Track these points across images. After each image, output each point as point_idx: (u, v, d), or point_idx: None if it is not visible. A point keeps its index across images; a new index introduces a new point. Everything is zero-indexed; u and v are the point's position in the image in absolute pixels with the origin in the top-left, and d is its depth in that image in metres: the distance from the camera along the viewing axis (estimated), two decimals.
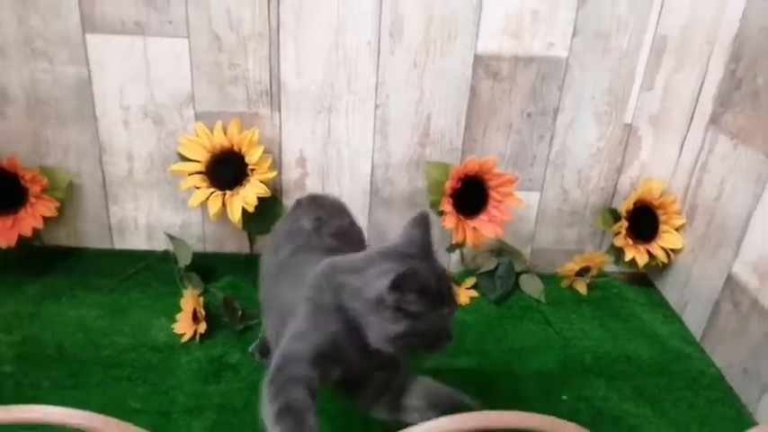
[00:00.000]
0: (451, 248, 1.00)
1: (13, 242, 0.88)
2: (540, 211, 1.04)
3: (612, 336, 0.93)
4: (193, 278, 0.93)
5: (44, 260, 0.97)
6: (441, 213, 0.92)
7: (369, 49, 0.89)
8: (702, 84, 0.94)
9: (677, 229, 0.99)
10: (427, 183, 0.96)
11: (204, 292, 0.92)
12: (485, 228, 0.94)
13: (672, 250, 1.00)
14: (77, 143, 0.92)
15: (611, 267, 1.06)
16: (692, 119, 0.96)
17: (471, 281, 1.00)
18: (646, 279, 1.08)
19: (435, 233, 0.66)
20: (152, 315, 0.89)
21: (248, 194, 0.88)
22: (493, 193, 0.94)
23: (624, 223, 0.99)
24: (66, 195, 0.94)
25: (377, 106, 0.93)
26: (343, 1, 0.86)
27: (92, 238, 0.99)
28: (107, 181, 0.95)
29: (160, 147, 0.93)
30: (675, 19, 0.89)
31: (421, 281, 0.54)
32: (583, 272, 1.03)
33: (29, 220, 0.88)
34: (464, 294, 0.98)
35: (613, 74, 0.93)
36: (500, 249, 1.03)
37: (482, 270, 1.01)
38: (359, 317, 0.56)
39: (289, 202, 0.99)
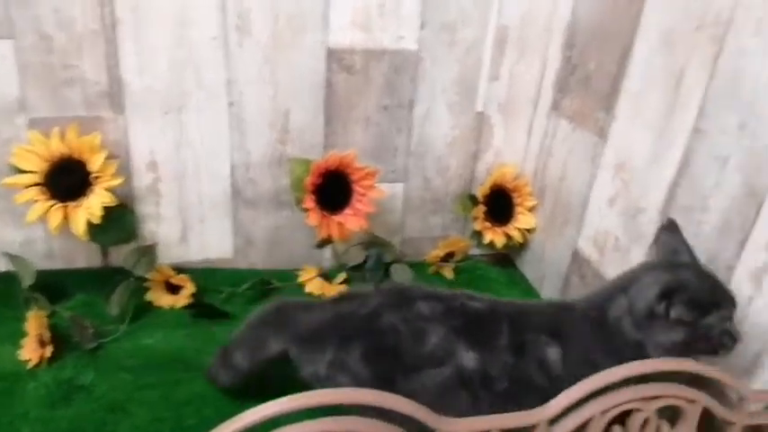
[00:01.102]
0: (320, 245, 0.99)
1: None
2: (406, 201, 1.06)
3: None
4: (39, 299, 0.86)
5: None
6: (305, 210, 0.92)
7: (216, 44, 0.86)
8: (544, 72, 1.00)
9: (530, 210, 1.05)
10: (290, 180, 0.95)
11: (53, 313, 0.86)
12: (350, 222, 0.94)
13: (527, 230, 1.06)
14: None
15: (475, 251, 1.11)
16: (536, 105, 1.02)
17: (342, 276, 1.01)
18: (508, 259, 1.14)
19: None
20: None
21: (92, 205, 0.82)
22: (356, 187, 0.94)
23: (482, 208, 1.04)
24: None
25: (231, 104, 0.90)
26: None
27: None
28: None
29: None
30: (514, 10, 0.94)
31: (688, 287, 0.56)
32: (448, 257, 1.06)
33: None
34: (335, 290, 0.98)
35: (461, 65, 0.97)
36: (371, 242, 1.04)
37: (351, 264, 1.01)
38: (632, 333, 0.58)
39: (142, 209, 0.94)
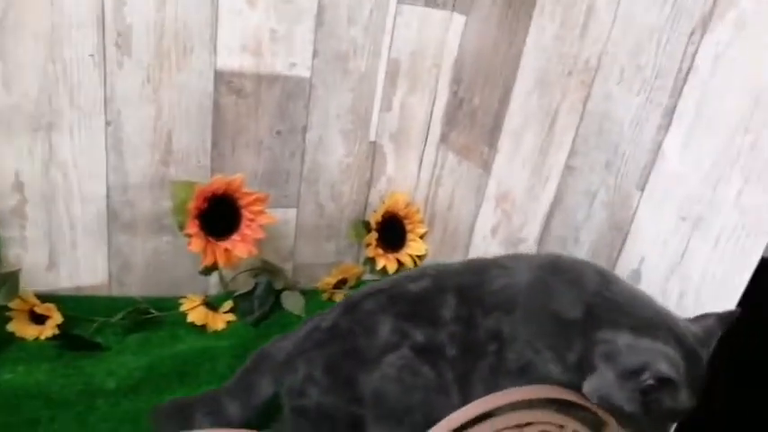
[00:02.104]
0: (205, 271, 0.95)
1: None
2: (299, 226, 1.04)
3: None
4: None
5: None
6: (188, 236, 0.88)
7: (92, 61, 0.81)
8: (433, 105, 1.03)
9: (421, 237, 1.07)
10: (173, 203, 0.91)
11: None
12: (237, 248, 0.91)
13: (418, 257, 1.08)
14: None
15: (368, 276, 1.11)
16: (427, 137, 1.05)
17: (228, 304, 0.97)
18: None
19: None
20: None
21: None
22: (245, 212, 0.92)
23: (374, 234, 1.04)
24: None
25: (108, 123, 0.85)
26: (57, 9, 0.76)
27: None
28: None
29: None
30: (405, 44, 0.97)
31: (678, 389, 0.50)
32: (341, 284, 1.06)
33: None
34: (220, 319, 0.94)
35: (355, 94, 0.98)
36: (261, 268, 1.02)
37: (239, 292, 0.98)
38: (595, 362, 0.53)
39: (6, 232, 0.86)
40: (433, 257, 1.06)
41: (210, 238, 0.89)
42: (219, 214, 0.90)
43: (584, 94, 0.70)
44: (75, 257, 0.91)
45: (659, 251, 0.60)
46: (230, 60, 0.88)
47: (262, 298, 0.98)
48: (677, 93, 0.58)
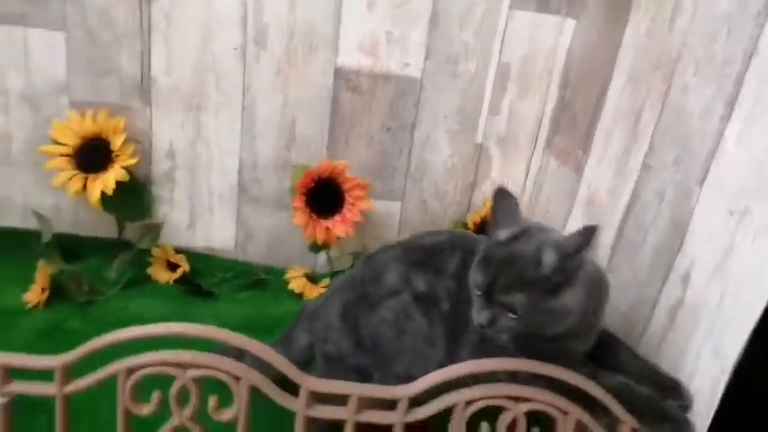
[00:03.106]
0: (313, 248, 1.05)
1: None
2: (402, 220, 1.10)
3: None
4: (54, 255, 0.98)
5: None
6: (294, 210, 0.99)
7: (235, 54, 0.97)
8: (543, 109, 1.02)
9: None
10: (291, 184, 1.03)
11: (63, 270, 0.97)
12: (337, 227, 1.00)
13: None
14: None
15: None
16: (535, 142, 1.04)
17: (326, 280, 1.06)
18: None
19: None
20: (8, 285, 0.94)
21: (108, 178, 0.94)
22: (347, 197, 1.01)
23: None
24: None
25: (244, 108, 1.01)
26: (210, 8, 0.94)
27: None
28: None
29: (37, 131, 0.99)
30: (516, 49, 0.99)
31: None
32: None
33: None
34: (316, 291, 1.03)
35: (463, 96, 1.02)
36: (363, 253, 1.09)
37: (336, 269, 1.06)
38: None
39: (159, 191, 1.05)
40: None
41: (314, 216, 1.00)
42: (326, 196, 1.01)
43: (664, 88, 0.67)
44: (209, 221, 1.08)
45: (709, 249, 0.55)
46: (349, 59, 0.99)
47: None
48: (740, 79, 0.53)
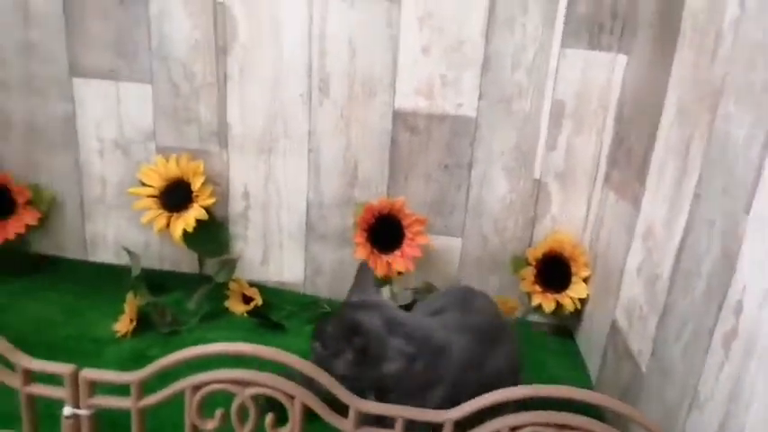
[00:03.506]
0: (377, 283, 1.09)
1: None
2: (463, 255, 1.13)
3: None
4: (142, 288, 1.08)
5: (29, 264, 1.14)
6: (356, 245, 1.04)
7: (302, 100, 1.05)
8: (601, 145, 1.03)
9: (585, 280, 1.05)
10: (354, 221, 1.08)
11: (150, 302, 1.06)
12: (397, 262, 1.04)
13: (579, 300, 1.06)
14: (62, 167, 1.11)
15: (533, 317, 1.12)
16: (594, 177, 1.05)
17: None
18: (567, 330, 1.13)
19: None
20: (101, 316, 1.03)
21: (189, 217, 1.03)
22: (407, 232, 1.05)
23: (531, 270, 1.06)
24: (50, 209, 1.12)
25: (310, 150, 1.08)
26: (279, 59, 1.03)
27: (70, 249, 1.17)
28: (84, 201, 1.13)
29: (128, 174, 1.11)
30: (569, 86, 1.01)
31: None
32: None
33: (14, 226, 1.07)
34: None
35: (519, 133, 1.04)
36: (425, 289, 1.12)
37: (399, 304, 1.09)
38: None
39: (235, 229, 1.13)
40: (592, 301, 1.03)
41: (375, 251, 1.04)
42: (386, 232, 1.05)
43: (710, 118, 0.67)
44: (280, 257, 1.15)
45: (759, 277, 0.54)
46: (406, 102, 1.04)
47: None
48: None
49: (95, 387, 0.57)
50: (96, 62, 1.05)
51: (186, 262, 1.16)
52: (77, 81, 1.06)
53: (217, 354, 0.54)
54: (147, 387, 0.58)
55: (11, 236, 1.07)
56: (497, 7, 0.98)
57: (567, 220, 1.09)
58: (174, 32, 1.03)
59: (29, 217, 1.08)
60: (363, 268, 0.83)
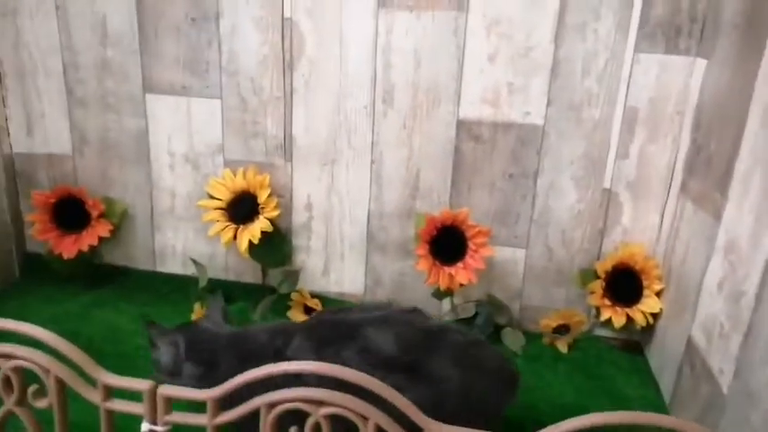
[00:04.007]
0: (437, 295, 1.08)
1: (73, 254, 1.10)
2: (527, 267, 1.10)
3: (576, 391, 0.96)
4: (208, 298, 1.10)
5: (101, 275, 1.19)
6: (418, 257, 1.03)
7: (365, 112, 1.05)
8: (676, 153, 0.98)
9: (657, 294, 1.01)
10: (415, 232, 1.07)
11: None
12: (460, 274, 1.02)
13: (651, 315, 1.01)
14: (134, 180, 1.15)
15: (602, 331, 1.08)
16: (669, 187, 1.00)
17: None
18: (637, 346, 1.08)
19: None
20: (170, 326, 1.06)
21: (254, 229, 1.04)
22: (470, 244, 1.03)
23: (600, 283, 1.02)
24: (121, 222, 1.16)
25: (373, 161, 1.07)
26: (344, 72, 1.03)
27: (140, 260, 1.20)
28: (154, 213, 1.17)
29: (196, 187, 1.13)
30: (643, 92, 0.96)
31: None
32: (562, 329, 1.06)
33: (88, 238, 1.11)
34: None
35: (588, 141, 1.01)
36: (487, 302, 1.10)
37: (460, 317, 1.08)
38: None
39: (297, 240, 1.14)
40: (666, 316, 0.98)
41: (437, 262, 1.03)
42: (449, 243, 1.03)
43: None
44: (342, 268, 1.15)
45: None
46: (471, 110, 1.02)
47: (480, 327, 1.06)
48: None
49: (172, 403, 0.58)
50: (168, 79, 1.08)
51: (249, 272, 1.17)
52: (150, 97, 1.09)
53: (295, 372, 0.53)
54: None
55: (84, 248, 1.11)
56: (568, 13, 0.95)
57: (638, 232, 1.04)
58: (244, 48, 1.05)
59: (102, 229, 1.12)
60: (213, 298, 0.89)
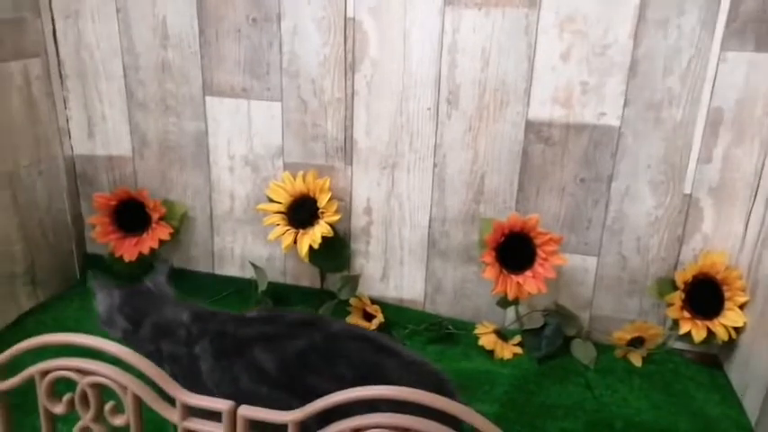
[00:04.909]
0: (502, 303, 1.04)
1: (134, 257, 1.10)
2: (598, 276, 1.04)
3: (654, 408, 0.91)
4: (267, 302, 1.08)
5: None
6: (485, 264, 0.98)
7: (429, 114, 1.01)
8: (765, 157, 0.91)
9: (741, 307, 0.94)
10: (479, 238, 1.03)
11: None
12: (528, 283, 0.98)
13: (734, 329, 0.94)
14: (194, 183, 1.14)
15: (678, 344, 1.02)
16: (755, 192, 0.93)
17: (518, 338, 1.03)
18: (715, 359, 1.02)
19: None
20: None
21: (315, 233, 1.02)
22: (539, 251, 0.98)
23: (680, 294, 0.96)
24: (181, 224, 1.15)
25: (435, 165, 1.04)
26: (407, 73, 0.99)
27: (198, 262, 1.20)
28: (213, 215, 1.16)
29: (255, 190, 1.12)
30: (729, 92, 0.90)
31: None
32: (637, 343, 1.00)
33: (149, 241, 1.11)
34: (508, 349, 1.01)
35: (668, 143, 0.95)
36: (555, 311, 1.05)
37: (527, 327, 1.03)
38: None
39: (356, 245, 1.11)
40: (751, 331, 0.92)
41: (504, 271, 0.99)
42: (517, 250, 0.99)
43: None
44: (401, 273, 1.12)
45: None
46: (541, 111, 0.98)
47: (549, 338, 1.01)
48: None
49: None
50: (229, 81, 1.07)
51: (307, 276, 1.15)
52: (210, 100, 1.08)
53: (379, 396, 0.51)
54: None
55: (145, 250, 1.10)
56: (649, 8, 0.89)
57: (720, 240, 0.98)
58: (305, 49, 1.02)
59: (162, 232, 1.11)
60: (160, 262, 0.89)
